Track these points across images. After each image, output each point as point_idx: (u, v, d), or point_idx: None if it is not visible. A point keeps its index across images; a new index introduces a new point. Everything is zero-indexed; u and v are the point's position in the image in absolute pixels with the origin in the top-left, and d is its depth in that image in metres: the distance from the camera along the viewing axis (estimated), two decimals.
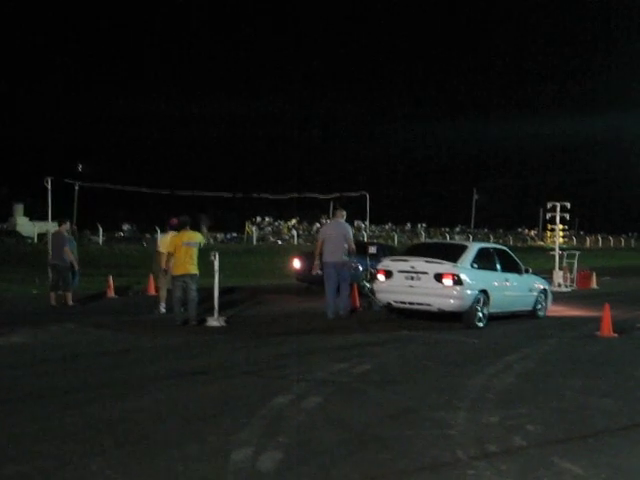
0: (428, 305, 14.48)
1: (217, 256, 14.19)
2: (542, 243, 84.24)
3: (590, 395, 8.59)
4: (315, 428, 6.82)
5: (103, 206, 66.94)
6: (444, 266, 14.36)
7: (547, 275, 26.43)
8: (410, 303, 14.76)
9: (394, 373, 9.81)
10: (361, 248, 21.86)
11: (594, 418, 7.53)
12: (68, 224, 18.40)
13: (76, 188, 53.97)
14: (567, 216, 26.32)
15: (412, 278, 14.60)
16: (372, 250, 21.22)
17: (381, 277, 15.23)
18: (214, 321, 14.01)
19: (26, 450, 6.00)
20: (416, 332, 13.53)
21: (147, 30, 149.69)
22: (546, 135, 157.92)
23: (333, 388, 8.60)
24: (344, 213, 17.05)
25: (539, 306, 16.53)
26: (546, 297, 16.85)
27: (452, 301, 14.20)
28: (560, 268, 25.91)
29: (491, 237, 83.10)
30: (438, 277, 14.26)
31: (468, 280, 14.31)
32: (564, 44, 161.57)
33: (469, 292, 14.27)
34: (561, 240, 26.58)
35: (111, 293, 19.80)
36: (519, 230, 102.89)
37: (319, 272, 16.39)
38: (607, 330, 13.51)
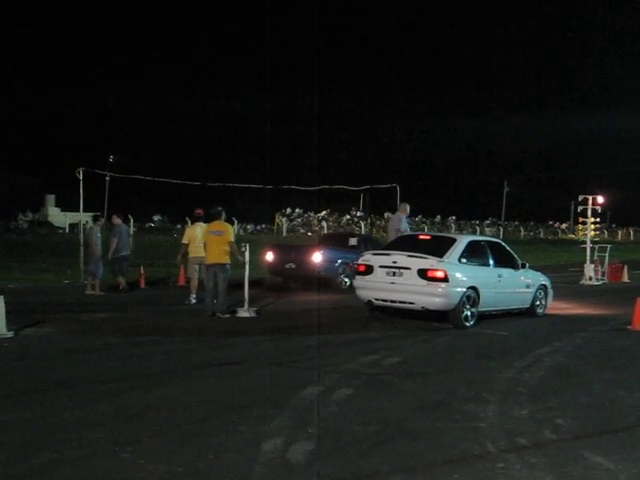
0: (411, 303, 13.44)
1: (247, 247, 14.26)
2: (573, 236, 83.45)
3: (621, 389, 8.53)
4: (345, 419, 6.86)
5: (134, 197, 67.47)
6: (428, 261, 13.21)
7: (578, 268, 26.29)
8: (392, 301, 13.74)
9: (424, 365, 9.83)
10: (343, 239, 20.97)
11: (625, 412, 7.49)
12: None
13: (107, 179, 54.58)
14: (599, 209, 26.06)
15: (394, 274, 13.52)
16: (352, 242, 19.85)
17: (361, 272, 14.17)
18: (244, 312, 14.09)
19: (59, 439, 6.09)
20: (445, 324, 13.48)
21: (184, 22, 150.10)
22: (579, 128, 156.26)
23: (363, 380, 8.63)
24: (404, 207, 17.78)
25: (537, 303, 15.43)
26: (546, 294, 15.74)
27: (437, 299, 13.16)
28: (591, 261, 25.66)
29: (522, 230, 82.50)
30: (422, 273, 13.16)
31: (455, 276, 13.23)
32: (600, 37, 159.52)
33: (456, 289, 13.20)
34: (593, 233, 26.26)
35: (142, 284, 19.97)
36: (550, 223, 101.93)
37: None
38: (638, 324, 13.39)
